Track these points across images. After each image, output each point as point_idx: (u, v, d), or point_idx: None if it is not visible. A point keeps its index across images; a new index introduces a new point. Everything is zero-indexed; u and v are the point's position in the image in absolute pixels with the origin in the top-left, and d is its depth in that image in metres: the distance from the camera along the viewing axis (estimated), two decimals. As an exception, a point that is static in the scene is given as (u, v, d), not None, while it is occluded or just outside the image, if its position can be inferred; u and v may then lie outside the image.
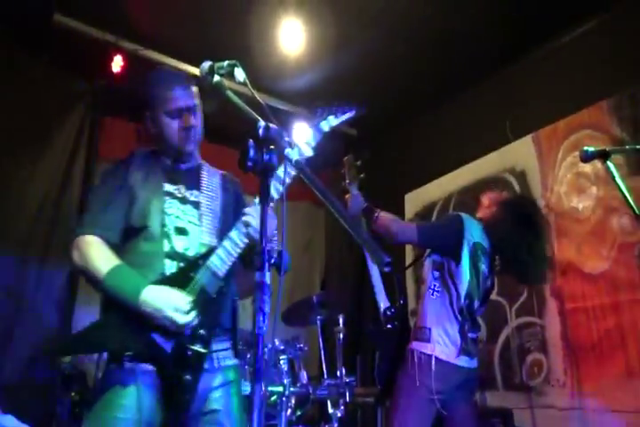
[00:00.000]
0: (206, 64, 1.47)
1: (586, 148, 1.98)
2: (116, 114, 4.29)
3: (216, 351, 1.68)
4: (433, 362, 2.29)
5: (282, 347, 3.02)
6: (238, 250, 1.69)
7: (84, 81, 4.10)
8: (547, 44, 3.74)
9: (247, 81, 1.48)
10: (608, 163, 1.89)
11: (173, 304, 1.56)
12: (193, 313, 1.58)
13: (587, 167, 3.37)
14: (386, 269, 1.29)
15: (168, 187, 1.81)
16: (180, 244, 1.73)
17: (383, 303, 2.62)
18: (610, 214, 3.20)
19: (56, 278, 3.56)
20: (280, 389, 2.84)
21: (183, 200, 1.81)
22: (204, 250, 1.73)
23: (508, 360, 3.49)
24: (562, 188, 3.49)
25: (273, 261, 1.37)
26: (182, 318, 1.56)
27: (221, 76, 1.48)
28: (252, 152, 1.39)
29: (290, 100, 4.38)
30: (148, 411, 1.54)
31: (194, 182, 1.88)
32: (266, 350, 2.71)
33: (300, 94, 4.29)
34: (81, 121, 4.05)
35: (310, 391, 2.94)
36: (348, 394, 2.93)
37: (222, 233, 1.78)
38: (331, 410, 2.94)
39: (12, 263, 3.40)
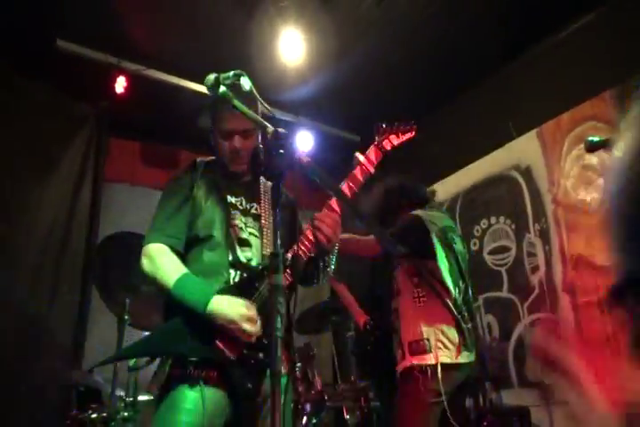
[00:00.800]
0: (212, 76, 1.50)
1: (590, 137, 1.99)
2: (121, 134, 4.38)
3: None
4: (439, 369, 2.28)
5: (295, 355, 3.02)
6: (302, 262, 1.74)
7: (88, 104, 4.19)
8: (545, 40, 3.74)
9: (254, 89, 1.53)
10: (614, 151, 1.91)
11: (243, 314, 1.60)
12: (259, 323, 1.62)
13: (593, 159, 3.35)
14: (400, 259, 1.30)
15: (230, 198, 1.87)
16: (243, 254, 1.79)
17: (358, 317, 2.62)
18: (619, 205, 3.16)
19: (69, 301, 3.62)
20: (295, 397, 2.84)
21: (245, 212, 1.88)
22: (265, 261, 1.77)
23: (522, 358, 3.46)
24: (568, 181, 3.46)
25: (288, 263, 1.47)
26: (252, 328, 1.60)
27: (227, 86, 1.52)
28: (261, 157, 1.47)
29: (292, 111, 4.42)
30: (210, 416, 1.57)
31: (253, 195, 1.94)
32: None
33: (302, 104, 4.33)
34: (86, 144, 4.14)
35: (325, 398, 2.94)
36: (363, 399, 2.93)
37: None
38: (347, 416, 2.94)
39: (26, 288, 3.45)
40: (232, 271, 1.74)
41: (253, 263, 1.78)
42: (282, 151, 1.41)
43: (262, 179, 2.00)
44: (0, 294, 3.28)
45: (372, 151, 2.02)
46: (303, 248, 1.74)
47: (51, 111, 3.95)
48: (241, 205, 1.89)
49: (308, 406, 2.87)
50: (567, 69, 3.55)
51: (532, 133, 3.74)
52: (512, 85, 3.92)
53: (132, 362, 2.97)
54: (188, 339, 1.60)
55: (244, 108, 1.52)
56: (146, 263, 1.72)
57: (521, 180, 3.74)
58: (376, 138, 2.13)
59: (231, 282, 1.72)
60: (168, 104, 4.17)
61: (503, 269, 3.64)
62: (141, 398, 2.77)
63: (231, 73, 1.52)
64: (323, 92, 4.20)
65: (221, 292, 1.66)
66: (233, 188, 1.91)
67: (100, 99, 4.15)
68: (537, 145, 3.70)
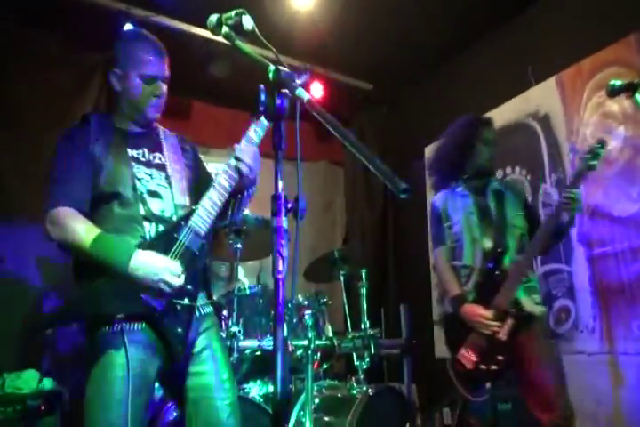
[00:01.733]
0: (214, 17, 1.46)
1: (612, 81, 1.87)
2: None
3: (200, 304, 1.75)
4: None
5: (306, 302, 2.99)
6: (217, 208, 1.72)
7: (98, 53, 4.04)
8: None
9: (256, 28, 1.44)
10: (636, 96, 1.78)
11: (166, 268, 1.59)
12: (183, 274, 1.62)
13: (614, 106, 3.17)
14: (402, 196, 1.24)
15: (132, 152, 1.79)
16: (155, 206, 1.74)
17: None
18: (638, 154, 3.00)
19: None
20: (305, 343, 2.82)
21: (148, 164, 1.81)
22: (180, 211, 1.76)
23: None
24: (588, 130, 3.29)
25: (290, 206, 1.39)
26: (176, 281, 1.60)
27: (229, 27, 1.45)
28: (262, 97, 1.38)
29: (302, 58, 4.22)
30: (138, 365, 1.56)
31: (154, 145, 1.87)
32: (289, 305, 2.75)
33: (312, 51, 4.13)
34: (98, 94, 4.01)
35: (335, 345, 2.92)
36: (372, 346, 2.90)
37: (191, 192, 1.84)
38: (356, 362, 2.92)
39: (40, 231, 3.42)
40: (147, 224, 1.69)
41: (167, 214, 1.74)
42: (284, 91, 1.33)
43: (160, 127, 1.97)
44: (18, 241, 3.27)
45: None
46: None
47: (62, 62, 3.81)
48: (143, 157, 1.81)
49: (318, 353, 2.84)
50: (590, 12, 3.32)
51: (552, 80, 3.53)
52: (531, 31, 3.69)
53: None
54: (111, 297, 1.54)
55: (248, 49, 1.45)
56: (52, 229, 1.62)
57: (538, 128, 3.56)
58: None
59: (147, 236, 1.67)
60: (178, 52, 3.96)
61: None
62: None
63: (233, 12, 1.45)
64: (334, 39, 3.99)
65: (141, 247, 1.61)
66: (132, 140, 1.83)
67: (109, 48, 3.99)
68: (556, 92, 3.50)
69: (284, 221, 1.32)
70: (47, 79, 3.72)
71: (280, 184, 1.35)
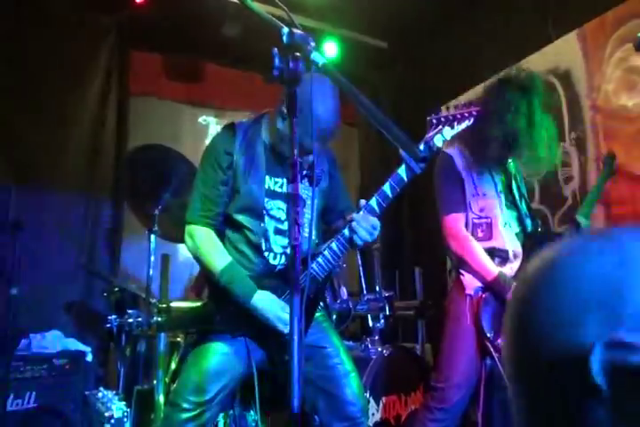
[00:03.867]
0: None
1: None
2: (143, 47, 4.01)
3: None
4: None
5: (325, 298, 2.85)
6: (337, 259, 1.71)
7: (109, 16, 3.80)
8: None
9: None
10: None
11: (279, 316, 1.65)
12: None
13: (638, 61, 2.88)
14: (420, 165, 1.08)
15: (269, 181, 1.75)
16: (278, 242, 1.75)
17: None
18: (663, 110, 2.75)
19: (103, 212, 3.50)
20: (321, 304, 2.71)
21: (284, 197, 1.75)
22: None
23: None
24: (610, 86, 3.01)
25: (305, 172, 1.40)
26: (284, 327, 1.65)
27: None
28: (276, 61, 1.21)
29: (314, 16, 3.92)
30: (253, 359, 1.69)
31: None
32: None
33: (325, 9, 3.82)
34: (109, 58, 3.80)
35: (351, 306, 2.80)
36: (387, 308, 2.78)
37: (319, 223, 1.86)
38: (371, 323, 2.81)
39: (57, 197, 3.33)
40: (265, 258, 1.74)
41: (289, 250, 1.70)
42: (297, 54, 1.18)
43: (308, 157, 1.76)
44: (36, 206, 3.17)
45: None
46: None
47: (72, 25, 3.60)
48: (280, 187, 1.75)
49: (334, 316, 2.74)
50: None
51: (573, 35, 3.22)
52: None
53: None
54: (233, 316, 1.69)
55: (259, 9, 1.27)
56: (190, 245, 1.74)
57: (558, 85, 3.27)
58: (427, 133, 1.76)
59: (263, 270, 1.72)
60: (189, 12, 3.74)
61: (535, 180, 3.29)
62: (174, 304, 2.70)
63: None
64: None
65: (263, 286, 1.68)
66: (274, 164, 1.75)
67: (119, 10, 3.76)
68: (577, 47, 3.19)
69: (301, 188, 1.22)
70: (58, 39, 3.52)
71: (295, 151, 1.20)
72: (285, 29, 1.21)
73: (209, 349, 1.71)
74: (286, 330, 1.63)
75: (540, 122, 2.09)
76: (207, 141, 4.05)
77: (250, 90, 4.04)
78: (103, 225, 3.47)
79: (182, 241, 1.80)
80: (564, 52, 3.25)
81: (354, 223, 1.64)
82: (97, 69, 3.71)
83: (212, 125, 4.20)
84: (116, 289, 2.99)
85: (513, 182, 2.25)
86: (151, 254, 2.77)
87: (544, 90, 2.18)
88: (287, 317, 1.61)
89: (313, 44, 1.24)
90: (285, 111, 1.69)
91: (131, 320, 2.77)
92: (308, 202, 1.74)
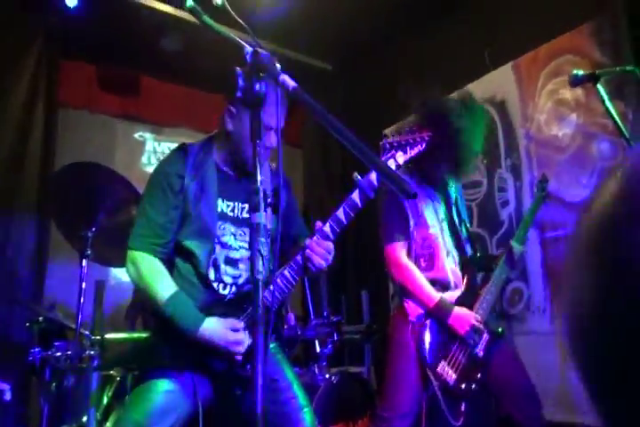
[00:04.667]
0: None
1: (575, 71, 1.74)
2: (74, 57, 3.75)
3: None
4: None
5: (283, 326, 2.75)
6: (290, 287, 1.63)
7: (37, 19, 3.52)
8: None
9: (226, 4, 1.22)
10: (598, 86, 1.69)
11: (229, 338, 1.54)
12: (247, 343, 1.54)
13: (567, 94, 3.06)
14: (412, 199, 1.03)
15: (221, 204, 1.67)
16: (229, 272, 1.67)
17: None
18: (589, 141, 2.93)
19: (26, 233, 3.19)
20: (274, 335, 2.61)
21: (237, 221, 1.68)
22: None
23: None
24: (542, 116, 3.17)
25: (269, 200, 1.23)
26: (238, 350, 1.54)
27: (195, 0, 1.22)
28: (240, 81, 1.19)
29: (261, 35, 3.86)
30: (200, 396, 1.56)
31: (248, 195, 1.64)
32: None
33: (271, 29, 3.76)
34: (36, 64, 3.51)
35: (299, 332, 2.72)
36: (336, 333, 2.73)
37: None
38: (319, 349, 2.74)
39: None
40: (214, 289, 1.64)
41: (240, 281, 1.67)
42: (262, 74, 1.14)
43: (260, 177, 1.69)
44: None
45: (373, 173, 1.64)
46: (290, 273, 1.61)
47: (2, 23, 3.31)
48: (232, 211, 1.68)
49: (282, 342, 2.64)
50: (547, 1, 3.16)
51: (508, 66, 3.38)
52: (489, 15, 3.49)
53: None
54: (177, 350, 1.57)
55: (216, 26, 1.22)
56: (132, 273, 1.62)
57: (495, 113, 3.41)
58: (381, 157, 1.72)
59: (210, 301, 1.62)
60: (126, 23, 3.54)
61: (474, 204, 3.40)
62: (109, 336, 2.49)
63: None
64: (294, 16, 3.64)
65: (207, 310, 1.58)
66: (227, 186, 1.69)
67: (49, 13, 3.49)
68: (512, 78, 3.35)
69: (263, 217, 1.12)
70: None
71: (259, 177, 1.14)
72: (249, 49, 1.16)
73: (152, 387, 1.57)
74: (239, 352, 1.53)
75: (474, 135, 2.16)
76: (143, 159, 3.91)
77: (189, 106, 3.89)
78: (26, 247, 3.16)
79: (117, 265, 1.67)
80: (500, 82, 3.39)
81: (307, 251, 1.57)
82: (22, 75, 3.41)
83: (149, 142, 3.98)
84: (40, 319, 2.72)
85: (453, 207, 2.28)
86: (83, 280, 2.55)
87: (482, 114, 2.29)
88: (238, 337, 1.53)
89: (278, 65, 1.19)
90: (229, 129, 1.66)
91: (58, 354, 2.51)
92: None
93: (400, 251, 2.14)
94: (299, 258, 1.59)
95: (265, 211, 1.14)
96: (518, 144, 3.27)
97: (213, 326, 1.54)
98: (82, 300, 2.53)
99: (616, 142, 2.74)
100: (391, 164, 1.74)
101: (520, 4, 3.31)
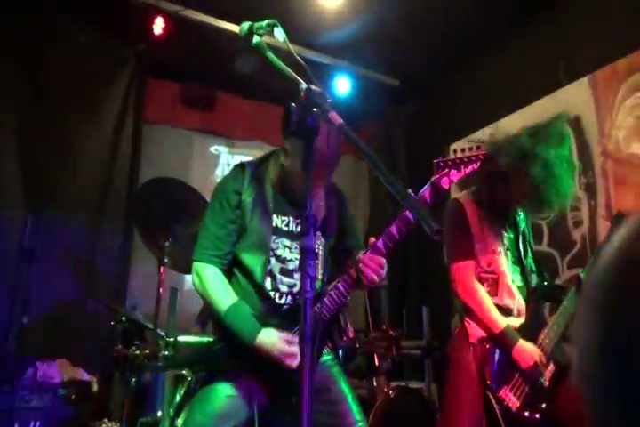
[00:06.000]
0: (245, 25, 1.36)
1: None
2: (160, 76, 4.09)
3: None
4: None
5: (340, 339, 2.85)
6: (344, 299, 1.69)
7: (128, 45, 3.89)
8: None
9: (287, 41, 1.33)
10: None
11: (284, 351, 1.62)
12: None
13: (649, 109, 2.92)
14: (434, 237, 1.10)
15: (276, 220, 1.77)
16: (285, 282, 1.75)
17: None
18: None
19: (112, 239, 3.52)
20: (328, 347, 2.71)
21: (291, 235, 1.78)
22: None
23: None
24: (620, 132, 3.05)
25: (319, 225, 1.38)
26: (291, 363, 1.61)
27: (261, 36, 1.35)
28: (294, 116, 1.26)
29: (329, 53, 4.00)
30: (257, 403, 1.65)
31: (300, 211, 1.77)
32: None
33: (339, 47, 3.89)
34: (127, 85, 3.87)
35: (357, 345, 2.80)
36: (394, 347, 2.78)
37: (327, 260, 1.82)
38: (377, 363, 2.80)
39: (70, 226, 3.35)
40: (273, 294, 1.73)
41: (296, 289, 1.75)
42: (315, 110, 1.22)
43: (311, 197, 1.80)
44: (49, 235, 3.19)
45: (426, 190, 1.71)
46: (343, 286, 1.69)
47: (92, 53, 3.70)
48: (287, 226, 1.78)
49: (340, 353, 2.73)
50: (625, 13, 3.03)
51: (584, 80, 3.26)
52: (564, 28, 3.40)
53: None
54: (236, 357, 1.67)
55: (278, 62, 1.33)
56: (197, 283, 1.72)
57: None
58: (434, 175, 1.76)
59: (267, 312, 1.71)
60: (206, 45, 3.82)
61: (544, 223, 3.31)
62: (181, 338, 2.70)
63: (264, 23, 1.34)
64: (361, 34, 3.73)
65: (264, 320, 1.67)
66: (281, 202, 1.78)
67: (139, 40, 3.85)
68: (588, 93, 3.24)
69: (314, 241, 1.19)
70: (78, 67, 3.62)
71: (309, 205, 1.21)
72: (304, 86, 1.26)
73: (215, 390, 1.69)
74: (293, 365, 1.60)
75: (559, 171, 2.04)
76: (217, 171, 4.16)
77: (261, 121, 4.10)
78: (113, 255, 3.48)
79: (190, 272, 1.80)
80: (574, 97, 3.29)
81: (360, 265, 1.62)
82: (115, 96, 3.78)
83: (224, 155, 4.24)
84: (123, 318, 2.99)
85: (520, 237, 2.25)
86: (160, 286, 2.78)
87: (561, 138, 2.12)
88: (293, 350, 1.60)
89: (330, 101, 1.28)
90: (285, 164, 1.75)
91: (138, 352, 2.76)
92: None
93: (469, 270, 2.13)
94: (352, 272, 1.65)
95: (314, 235, 1.23)
96: (593, 162, 3.16)
97: (269, 338, 1.63)
98: (159, 303, 2.78)
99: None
100: (445, 182, 1.77)
101: (597, 16, 3.20)
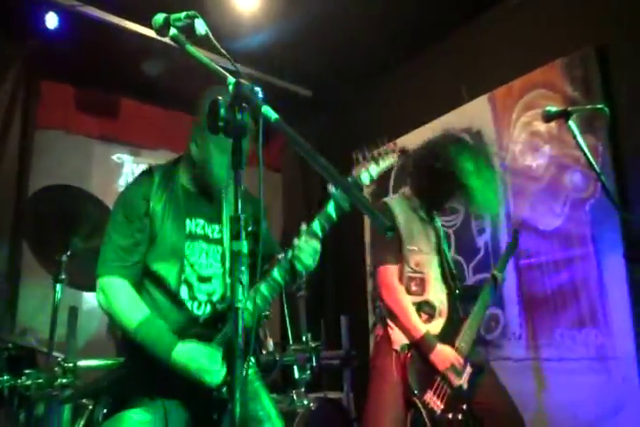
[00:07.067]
0: (160, 16, 1.26)
1: (548, 108, 1.85)
2: (53, 78, 3.76)
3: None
4: None
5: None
6: (267, 302, 1.62)
7: (16, 42, 3.53)
8: (500, 5, 3.47)
9: (210, 34, 1.25)
10: (570, 122, 1.79)
11: (204, 367, 1.51)
12: (223, 371, 1.51)
13: (541, 126, 3.21)
14: (388, 235, 1.08)
15: (190, 224, 1.68)
16: (203, 290, 1.66)
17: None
18: (562, 172, 3.06)
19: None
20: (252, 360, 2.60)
21: (205, 239, 1.69)
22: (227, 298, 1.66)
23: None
24: (517, 147, 3.31)
25: (250, 229, 1.33)
26: (213, 379, 1.51)
27: (178, 29, 1.26)
28: (222, 111, 1.18)
29: (241, 61, 3.94)
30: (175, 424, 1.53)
31: (216, 213, 1.72)
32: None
33: (252, 55, 3.85)
34: (14, 87, 3.49)
35: (277, 358, 2.71)
36: (315, 359, 2.73)
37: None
38: (297, 375, 2.73)
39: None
40: (190, 304, 1.63)
41: (215, 297, 1.67)
42: (245, 105, 1.17)
43: (225, 195, 1.76)
44: None
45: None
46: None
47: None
48: (202, 229, 1.70)
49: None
50: (521, 36, 3.33)
51: (484, 98, 3.52)
52: (466, 49, 3.65)
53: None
54: (150, 378, 1.55)
55: (201, 56, 1.25)
56: (102, 300, 1.59)
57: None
58: (353, 171, 1.79)
59: (184, 323, 1.60)
60: (106, 46, 3.58)
61: (451, 231, 3.50)
62: (82, 363, 2.44)
63: (183, 14, 1.25)
64: (276, 43, 3.72)
65: (182, 332, 1.56)
66: (193, 206, 1.70)
67: (29, 37, 3.51)
68: (488, 109, 3.50)
69: (244, 245, 1.14)
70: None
71: (239, 205, 1.16)
72: (231, 79, 1.19)
73: (125, 418, 1.53)
74: (213, 382, 1.50)
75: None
76: (120, 181, 3.89)
77: (169, 128, 3.92)
78: (-1, 273, 3.10)
79: (92, 289, 1.64)
80: (476, 113, 3.53)
81: (296, 251, 1.59)
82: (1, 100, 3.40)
83: (128, 164, 3.98)
84: (10, 345, 2.65)
85: (441, 240, 2.37)
86: (56, 305, 2.51)
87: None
88: (213, 367, 1.51)
89: (261, 95, 1.23)
90: (194, 154, 1.68)
91: (28, 382, 2.45)
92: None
93: (392, 274, 2.19)
94: (275, 274, 1.61)
95: (245, 239, 1.16)
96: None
97: (187, 351, 1.52)
98: (55, 325, 2.50)
99: (587, 174, 2.87)
100: (365, 177, 1.78)
101: (496, 39, 3.48)
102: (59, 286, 2.52)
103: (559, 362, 2.89)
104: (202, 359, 1.51)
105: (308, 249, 1.60)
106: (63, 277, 2.53)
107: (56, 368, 2.39)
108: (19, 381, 2.42)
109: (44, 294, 2.67)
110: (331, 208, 1.65)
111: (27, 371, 2.48)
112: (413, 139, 3.89)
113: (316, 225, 1.64)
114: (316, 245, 1.63)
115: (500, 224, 3.30)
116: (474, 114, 3.54)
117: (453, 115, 3.63)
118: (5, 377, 2.43)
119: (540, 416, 2.92)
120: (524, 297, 3.12)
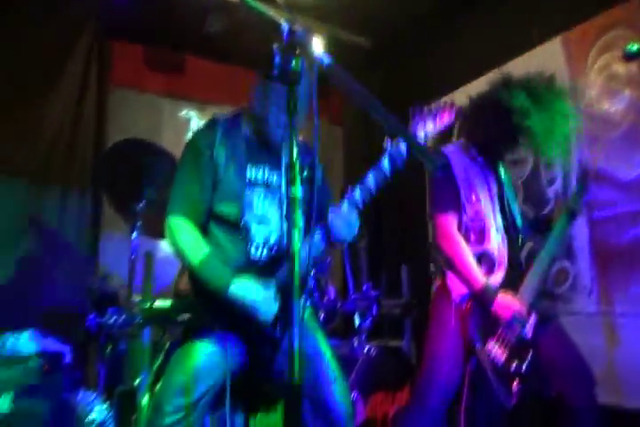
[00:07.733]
0: None
1: (630, 45, 1.72)
2: (124, 37, 3.89)
3: None
4: None
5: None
6: (318, 250, 1.66)
7: (86, 5, 3.67)
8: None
9: None
10: None
11: (258, 302, 1.60)
12: (275, 306, 1.62)
13: (620, 69, 2.97)
14: (440, 172, 1.07)
15: (251, 170, 1.75)
16: (261, 232, 1.72)
17: None
18: (643, 118, 2.83)
19: (81, 207, 3.38)
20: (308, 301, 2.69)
21: (265, 186, 1.75)
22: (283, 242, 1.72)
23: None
24: (593, 92, 3.09)
25: (305, 174, 1.37)
26: (265, 315, 1.62)
27: None
28: (276, 59, 1.20)
29: (300, 12, 3.87)
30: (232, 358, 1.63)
31: (276, 161, 1.77)
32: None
33: (310, 5, 3.77)
34: (88, 49, 3.67)
35: (338, 305, 2.79)
36: (374, 307, 2.79)
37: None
38: (358, 323, 2.81)
39: (34, 195, 3.20)
40: (248, 246, 1.71)
41: (272, 240, 1.73)
42: (298, 52, 1.18)
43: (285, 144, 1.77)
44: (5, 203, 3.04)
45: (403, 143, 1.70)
46: None
47: (49, 16, 3.45)
48: (262, 175, 1.76)
49: (321, 314, 2.72)
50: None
51: (557, 41, 3.28)
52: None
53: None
54: (211, 312, 1.66)
55: (255, 3, 1.25)
56: (169, 238, 1.71)
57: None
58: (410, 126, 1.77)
59: (246, 262, 1.69)
60: (171, 4, 3.65)
61: (519, 182, 3.36)
62: (158, 303, 2.63)
63: None
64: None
65: (240, 273, 1.65)
66: (255, 154, 1.76)
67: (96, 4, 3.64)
68: (561, 53, 3.26)
69: (300, 191, 1.18)
70: (33, 36, 3.38)
71: (295, 151, 1.19)
72: (286, 26, 1.19)
73: (193, 348, 1.65)
74: (266, 318, 1.61)
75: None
76: (188, 135, 4.01)
77: (232, 84, 3.97)
78: (81, 221, 3.35)
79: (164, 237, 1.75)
80: (547, 56, 3.30)
81: (328, 222, 1.64)
82: (76, 56, 3.58)
83: (194, 119, 4.11)
84: (96, 287, 2.89)
85: (504, 188, 2.28)
86: (133, 252, 2.69)
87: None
88: (267, 306, 1.61)
89: (315, 41, 1.22)
90: (255, 107, 1.74)
91: (112, 320, 2.68)
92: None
93: (452, 223, 2.13)
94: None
95: (301, 184, 1.18)
96: (567, 121, 3.20)
97: (243, 287, 1.61)
98: (133, 271, 2.69)
99: (671, 119, 2.65)
100: (421, 133, 1.77)
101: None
102: (135, 234, 2.68)
103: (634, 318, 2.77)
104: (255, 296, 1.61)
105: (340, 224, 1.66)
106: (139, 225, 2.69)
107: (134, 308, 2.59)
108: (104, 319, 2.66)
109: (122, 242, 2.85)
110: (385, 164, 1.69)
111: (110, 310, 2.72)
112: (478, 87, 3.76)
113: (357, 194, 1.69)
114: (352, 218, 1.69)
115: (572, 174, 3.13)
116: (545, 58, 3.31)
117: (522, 60, 3.42)
118: (93, 315, 2.68)
119: (610, 372, 2.83)
120: (596, 250, 2.98)
